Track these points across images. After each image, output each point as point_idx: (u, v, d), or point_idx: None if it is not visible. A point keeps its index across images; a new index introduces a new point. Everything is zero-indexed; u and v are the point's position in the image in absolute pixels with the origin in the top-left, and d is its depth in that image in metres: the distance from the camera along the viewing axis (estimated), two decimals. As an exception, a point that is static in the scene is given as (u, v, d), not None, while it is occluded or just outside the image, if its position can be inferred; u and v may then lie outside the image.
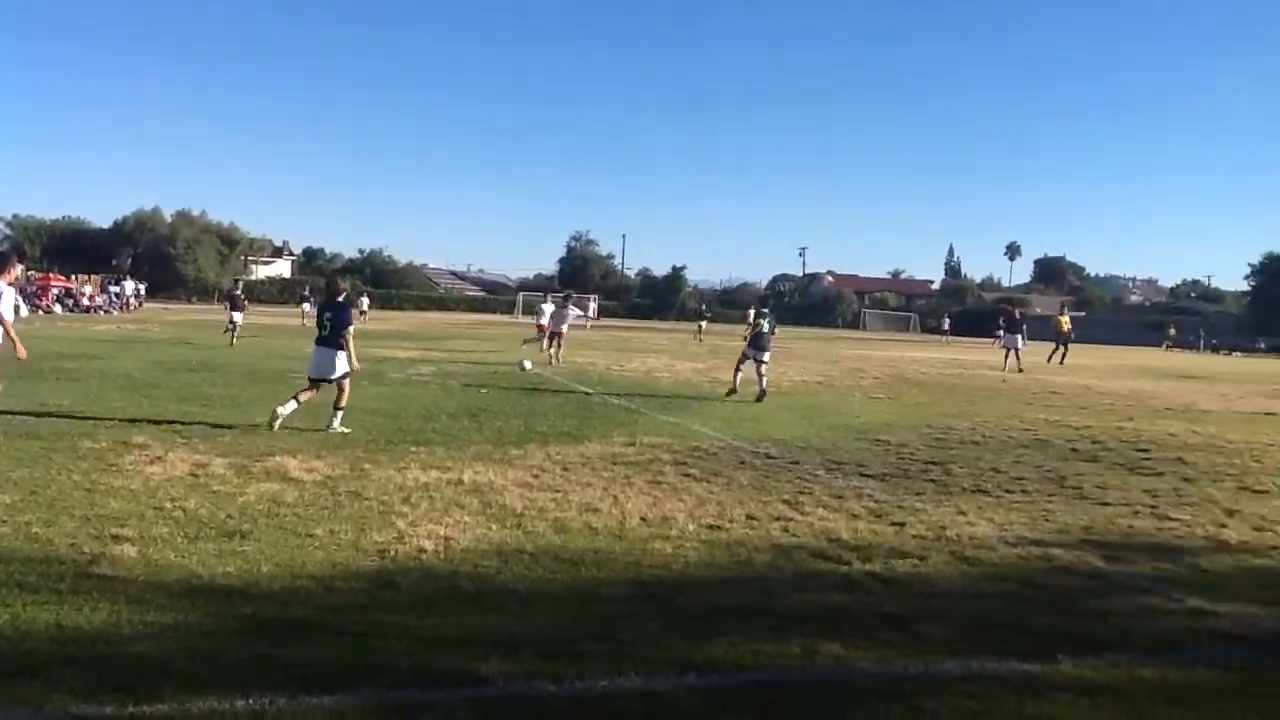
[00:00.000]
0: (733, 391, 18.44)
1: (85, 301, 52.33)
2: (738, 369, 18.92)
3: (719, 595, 6.03)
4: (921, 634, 5.45)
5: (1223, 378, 34.36)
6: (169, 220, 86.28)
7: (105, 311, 51.13)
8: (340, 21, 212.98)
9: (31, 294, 46.22)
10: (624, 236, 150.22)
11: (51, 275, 56.68)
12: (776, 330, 19.88)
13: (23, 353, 10.67)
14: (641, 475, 9.76)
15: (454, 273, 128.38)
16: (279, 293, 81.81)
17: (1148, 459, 12.68)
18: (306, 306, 47.36)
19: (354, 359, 12.47)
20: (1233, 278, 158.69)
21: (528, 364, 22.84)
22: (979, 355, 42.84)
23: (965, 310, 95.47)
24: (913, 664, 5.01)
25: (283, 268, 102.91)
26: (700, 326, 51.06)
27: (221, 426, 11.62)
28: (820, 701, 4.56)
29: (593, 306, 51.18)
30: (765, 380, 18.46)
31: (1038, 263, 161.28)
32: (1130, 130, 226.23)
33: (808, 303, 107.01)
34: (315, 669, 4.49)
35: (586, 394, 17.82)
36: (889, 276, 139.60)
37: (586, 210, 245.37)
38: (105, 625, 4.95)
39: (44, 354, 20.97)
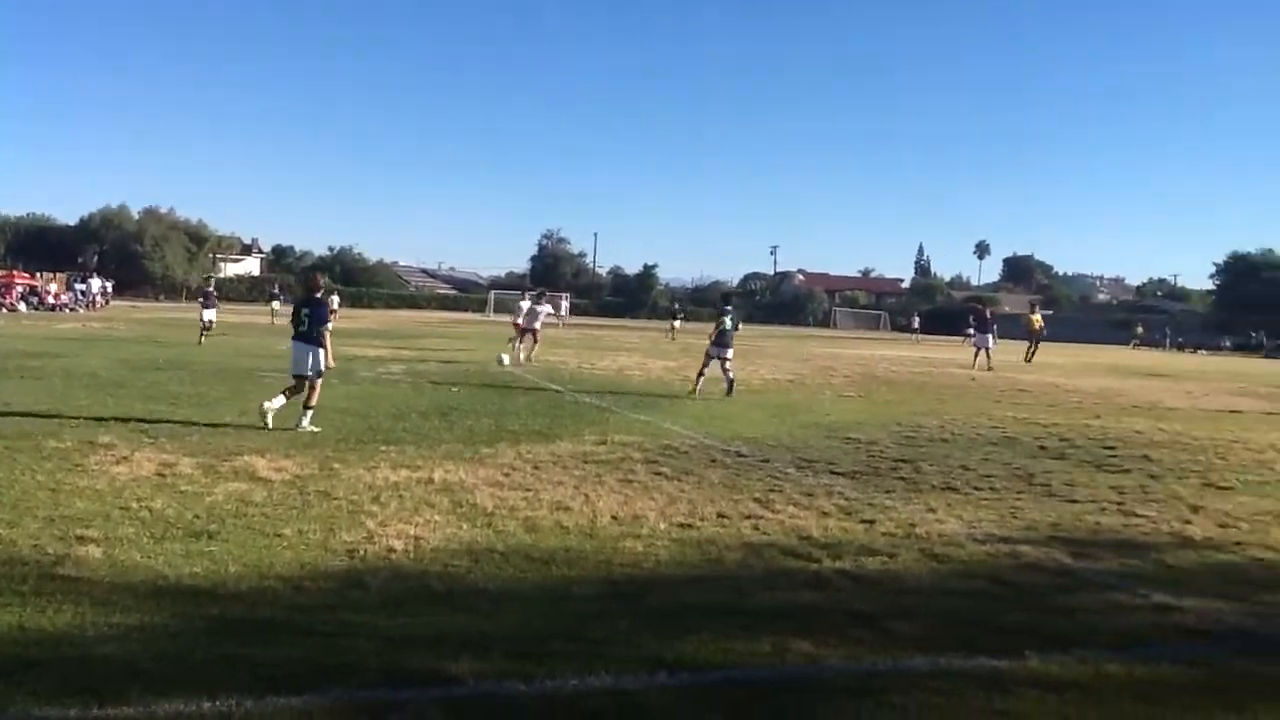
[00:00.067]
0: (694, 392, 18.55)
1: (50, 299, 51.68)
2: (701, 373, 19.04)
3: (690, 593, 6.03)
4: (891, 631, 5.48)
5: (1188, 376, 34.73)
6: (136, 217, 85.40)
7: (71, 309, 50.54)
8: (307, 17, 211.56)
9: (-4, 292, 45.64)
10: (596, 235, 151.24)
11: (16, 273, 55.87)
12: (740, 327, 20.08)
13: None
14: (613, 473, 9.76)
15: (425, 271, 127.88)
16: (248, 291, 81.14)
17: (1114, 456, 12.80)
18: (276, 305, 47.03)
19: (331, 356, 12.43)
20: (1198, 277, 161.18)
21: (505, 358, 22.85)
22: (949, 353, 43.09)
23: (935, 309, 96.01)
24: (882, 661, 5.04)
25: (251, 265, 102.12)
26: (673, 325, 51.09)
27: (189, 425, 11.52)
28: (791, 699, 4.57)
29: (565, 305, 51.08)
30: (731, 374, 18.70)
31: (1006, 261, 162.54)
32: (1098, 130, 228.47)
33: (778, 301, 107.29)
34: (283, 669, 4.46)
35: (558, 392, 17.79)
36: (859, 275, 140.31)
37: (558, 208, 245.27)
38: (69, 627, 4.90)
39: (8, 352, 20.78)
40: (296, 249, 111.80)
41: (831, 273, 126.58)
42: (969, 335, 45.65)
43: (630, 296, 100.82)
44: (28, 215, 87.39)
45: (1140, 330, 76.78)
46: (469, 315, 78.17)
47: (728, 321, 19.19)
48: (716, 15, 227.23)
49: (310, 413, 11.76)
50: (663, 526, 7.66)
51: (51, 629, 4.86)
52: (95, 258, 77.52)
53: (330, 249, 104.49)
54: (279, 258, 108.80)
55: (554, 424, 13.28)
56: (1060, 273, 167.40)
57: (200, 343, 26.38)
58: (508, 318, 33.45)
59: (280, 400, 11.88)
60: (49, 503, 7.42)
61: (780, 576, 6.53)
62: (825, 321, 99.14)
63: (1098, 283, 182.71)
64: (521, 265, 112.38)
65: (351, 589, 5.76)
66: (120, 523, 6.93)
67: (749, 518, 8.10)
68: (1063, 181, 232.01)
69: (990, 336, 32.66)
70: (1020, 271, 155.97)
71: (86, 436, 10.32)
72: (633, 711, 4.32)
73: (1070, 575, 6.95)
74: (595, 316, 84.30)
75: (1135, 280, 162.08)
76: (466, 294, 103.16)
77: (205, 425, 11.62)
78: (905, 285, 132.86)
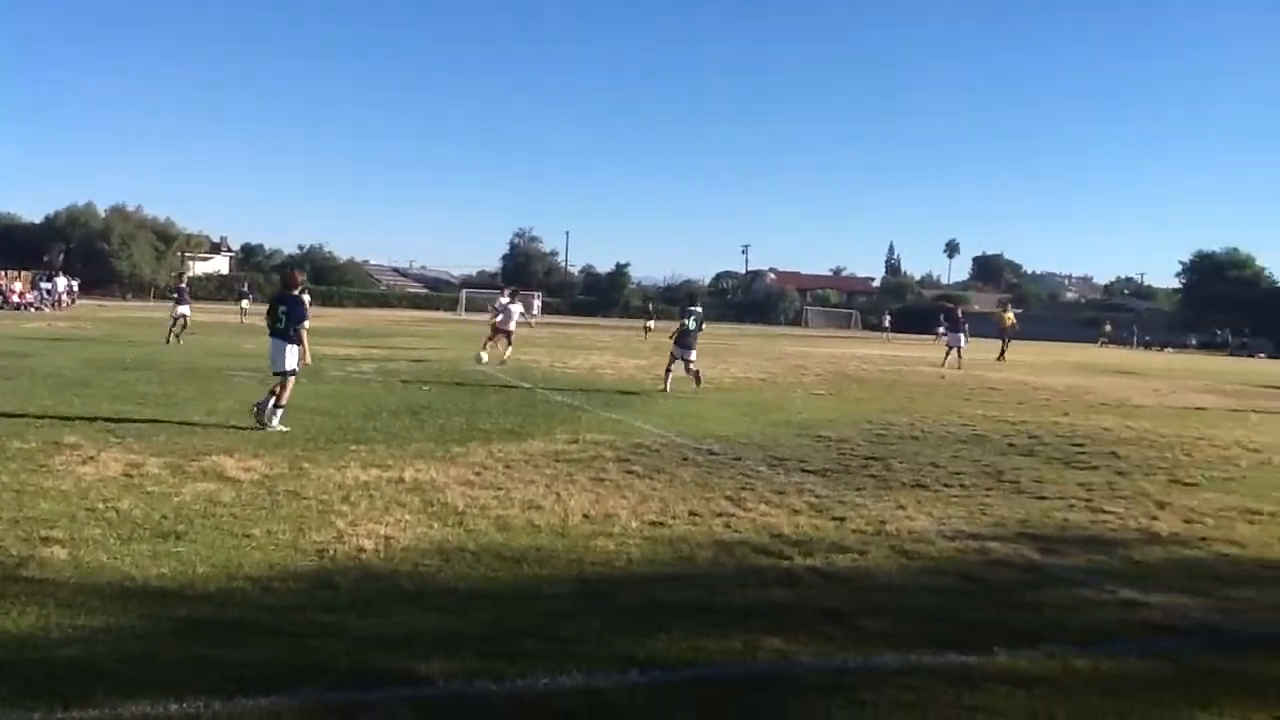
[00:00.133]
0: (665, 389, 18.67)
1: (15, 298, 51.08)
2: (668, 370, 19.16)
3: (661, 591, 6.04)
4: (861, 628, 5.51)
5: (1155, 373, 35.09)
6: (103, 216, 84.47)
7: (36, 309, 49.93)
8: (273, 15, 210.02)
9: (-41, 291, 45.06)
10: (567, 233, 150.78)
11: (-20, 271, 55.26)
12: (703, 328, 20.29)
13: None
14: (584, 472, 9.75)
15: (396, 269, 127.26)
16: (216, 289, 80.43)
17: (1083, 453, 12.91)
18: (245, 303, 46.71)
19: (307, 353, 12.40)
20: (1165, 275, 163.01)
21: (484, 356, 22.82)
22: (919, 352, 43.33)
23: (906, 307, 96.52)
24: (852, 657, 5.06)
25: (220, 264, 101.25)
26: (647, 325, 51.06)
27: (156, 425, 11.41)
28: (762, 696, 4.58)
29: (537, 304, 50.93)
30: (694, 368, 19.02)
31: (976, 260, 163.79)
32: (1066, 130, 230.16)
33: (750, 300, 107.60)
34: (252, 670, 4.43)
35: (530, 391, 17.76)
36: (830, 274, 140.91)
37: (529, 207, 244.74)
38: (33, 629, 4.84)
39: (-28, 352, 20.48)
40: (266, 247, 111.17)
41: (803, 271, 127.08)
42: (940, 334, 45.95)
43: (602, 295, 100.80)
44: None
45: (1108, 328, 77.56)
46: (440, 314, 77.86)
47: (690, 322, 19.44)
48: (695, 17, 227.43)
49: (281, 412, 11.68)
50: (635, 525, 7.66)
51: (15, 631, 4.81)
52: (61, 256, 76.58)
53: (300, 247, 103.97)
54: (248, 256, 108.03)
55: (526, 422, 13.25)
56: (1029, 271, 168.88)
57: (168, 341, 26.07)
58: (480, 316, 33.34)
59: (271, 401, 11.86)
60: (13, 504, 7.33)
61: (751, 574, 6.54)
62: (797, 320, 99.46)
63: (1066, 281, 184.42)
64: (493, 264, 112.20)
65: (321, 589, 5.73)
66: (86, 524, 6.86)
67: (721, 515, 8.11)
68: (1031, 181, 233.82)
69: (962, 335, 32.87)
70: (989, 270, 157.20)
71: (51, 437, 10.20)
72: (604, 710, 4.32)
73: (1038, 571, 7.00)
74: (567, 315, 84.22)
75: (1103, 279, 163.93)
76: (438, 293, 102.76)
77: (173, 425, 11.51)
78: (876, 284, 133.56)
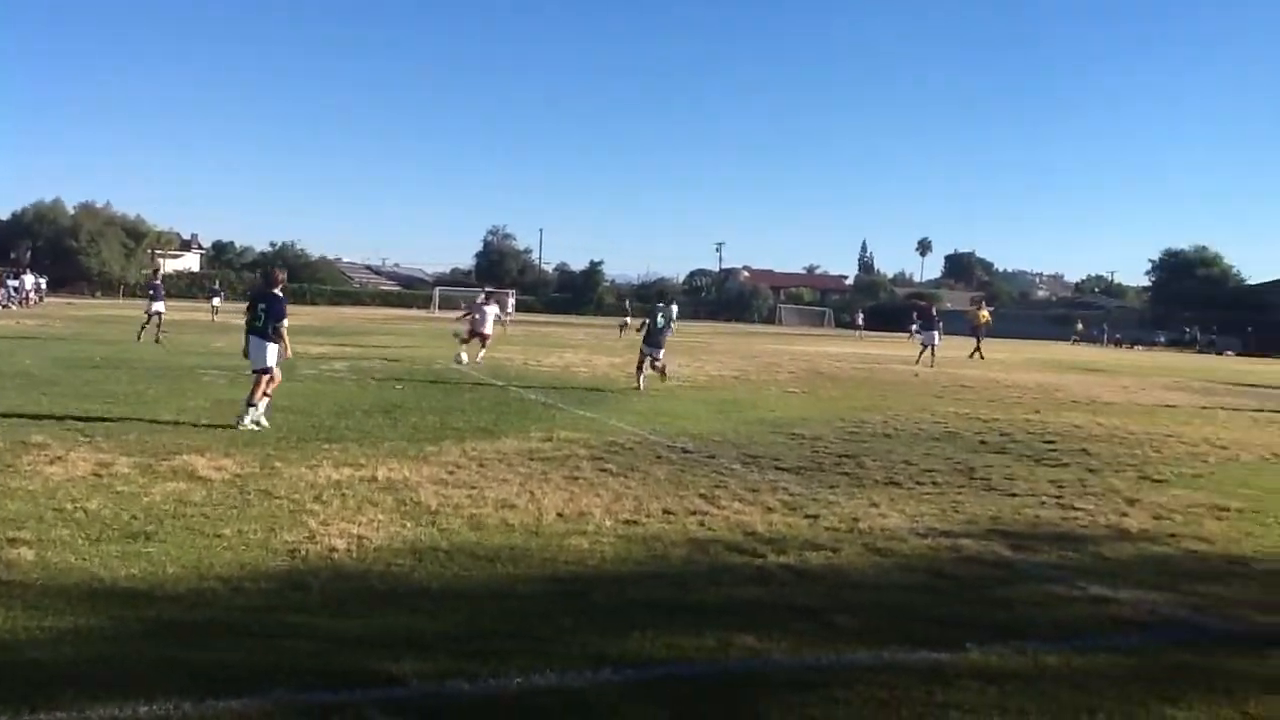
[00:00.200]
0: (638, 387, 18.70)
1: (-18, 296, 50.51)
2: (639, 367, 19.20)
3: (635, 590, 6.04)
4: (834, 625, 5.52)
5: (1125, 371, 35.39)
6: (71, 212, 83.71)
7: (4, 307, 49.36)
8: (246, 9, 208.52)
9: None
10: (541, 231, 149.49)
11: (-54, 269, 54.58)
12: (673, 326, 20.44)
13: None
14: (558, 471, 9.73)
15: (369, 267, 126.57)
16: (187, 287, 79.76)
17: (1053, 450, 13.01)
18: (217, 301, 46.35)
19: (288, 349, 12.43)
20: (1135, 274, 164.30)
21: (464, 357, 22.74)
22: (892, 350, 43.50)
23: (879, 305, 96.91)
24: (825, 655, 5.07)
25: (191, 261, 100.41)
26: (624, 322, 50.97)
27: (126, 424, 11.30)
28: (735, 693, 4.59)
29: (511, 301, 50.66)
30: (659, 365, 19.16)
31: (948, 258, 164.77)
32: (1037, 129, 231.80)
33: (724, 298, 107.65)
34: (222, 672, 4.39)
35: (503, 389, 17.72)
36: (804, 272, 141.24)
37: (503, 204, 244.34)
38: None
39: (-63, 350, 20.23)
40: (237, 245, 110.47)
41: (776, 270, 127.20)
42: (914, 332, 46.17)
43: (576, 293, 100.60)
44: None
45: (1080, 326, 78.16)
46: (414, 312, 77.55)
47: (659, 319, 19.59)
48: (664, 13, 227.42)
49: (253, 410, 11.60)
50: (608, 523, 7.65)
51: (-19, 633, 4.75)
52: (29, 253, 75.74)
53: (272, 244, 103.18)
54: (219, 254, 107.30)
55: (499, 421, 13.22)
56: (1000, 269, 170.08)
57: (139, 338, 25.83)
58: (453, 314, 33.15)
59: (264, 402, 11.89)
60: (-21, 504, 7.24)
61: (725, 572, 6.55)
62: (770, 318, 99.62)
63: (1037, 279, 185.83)
64: (467, 261, 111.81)
65: (293, 589, 5.69)
66: (54, 524, 6.78)
67: (694, 514, 8.12)
68: (1003, 180, 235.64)
69: (935, 333, 33.02)
70: (961, 268, 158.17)
71: (19, 436, 10.08)
72: (578, 709, 4.31)
73: (1010, 568, 7.05)
74: (541, 313, 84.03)
75: (1074, 277, 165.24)
76: (411, 290, 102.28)
77: (143, 424, 11.41)
78: (849, 282, 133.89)
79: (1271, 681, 5.01)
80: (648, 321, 19.78)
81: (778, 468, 10.60)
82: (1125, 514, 8.96)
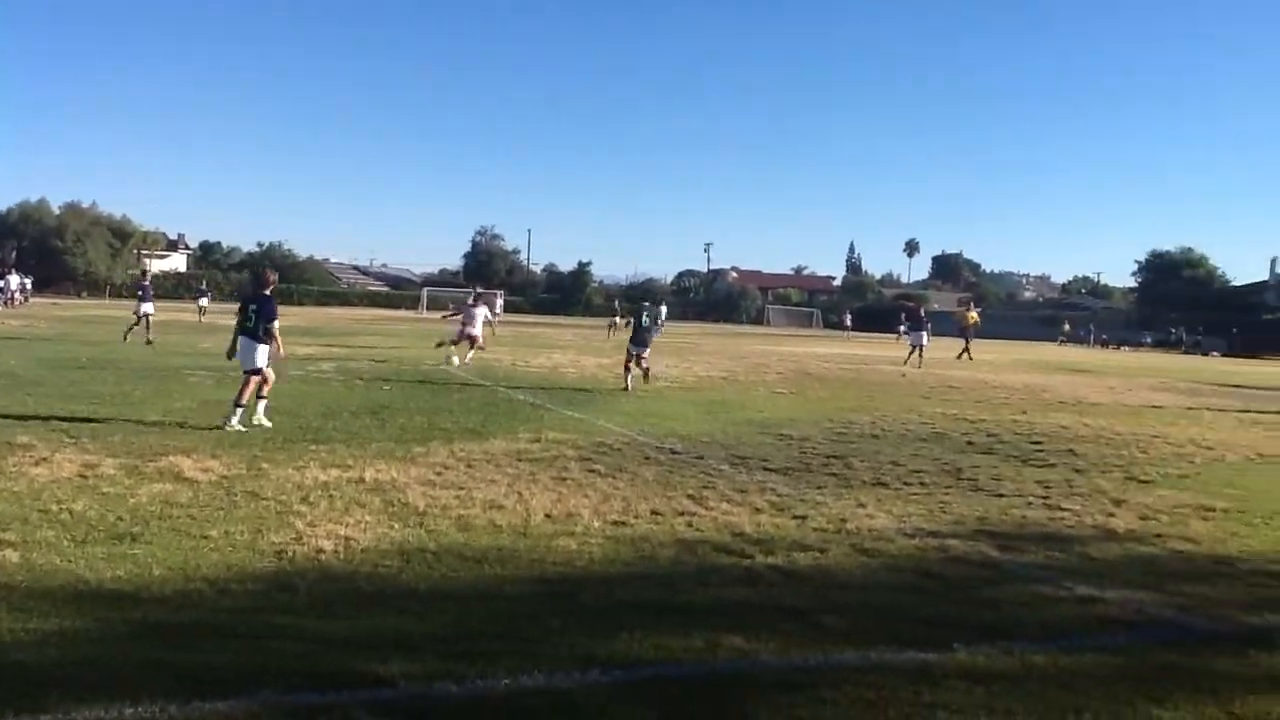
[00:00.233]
0: (626, 388, 18.73)
1: (-33, 296, 50.19)
2: (626, 367, 19.25)
3: (623, 591, 6.03)
4: (822, 625, 5.53)
5: (1111, 372, 35.53)
6: (57, 212, 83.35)
7: (-11, 307, 49.11)
8: (233, 11, 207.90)
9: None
10: (529, 231, 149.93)
11: (-70, 269, 54.21)
12: (659, 323, 20.62)
13: None
14: (546, 471, 9.72)
15: (356, 267, 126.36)
16: (174, 288, 79.45)
17: (1040, 451, 13.05)
18: (204, 301, 46.21)
19: (281, 349, 12.50)
20: (1121, 275, 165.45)
21: (455, 359, 22.75)
22: (880, 350, 43.60)
23: (866, 306, 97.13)
24: (813, 655, 5.08)
25: (178, 262, 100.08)
26: (614, 322, 50.93)
27: (112, 425, 11.25)
28: (723, 694, 4.59)
29: (499, 302, 50.52)
30: (645, 365, 19.20)
31: (935, 259, 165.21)
32: (1024, 130, 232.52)
33: (712, 299, 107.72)
34: (208, 673, 4.38)
35: (492, 389, 17.70)
36: (792, 273, 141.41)
37: (492, 205, 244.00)
38: (-15, 633, 4.76)
39: (-79, 351, 20.11)
40: (224, 245, 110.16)
41: (764, 270, 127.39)
42: (902, 332, 46.24)
43: (565, 294, 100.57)
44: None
45: (1067, 327, 78.47)
46: (402, 313, 77.40)
47: (644, 318, 19.74)
48: (656, 15, 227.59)
49: (241, 411, 11.56)
50: (596, 524, 7.65)
51: (-34, 636, 4.72)
52: (14, 253, 75.35)
53: (259, 245, 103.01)
54: (206, 254, 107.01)
55: (487, 421, 13.20)
56: (987, 270, 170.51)
57: (125, 339, 25.74)
58: (439, 314, 33.13)
59: (262, 404, 11.87)
60: (-36, 506, 7.20)
61: (713, 572, 6.55)
62: (759, 319, 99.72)
63: (1024, 280, 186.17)
64: (455, 262, 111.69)
65: (279, 591, 5.67)
66: (39, 526, 6.75)
67: (682, 514, 8.12)
68: (990, 181, 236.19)
69: (924, 333, 33.10)
70: (949, 269, 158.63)
71: (4, 437, 10.02)
72: (566, 710, 4.31)
73: (997, 568, 7.07)
74: (530, 314, 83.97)
75: (1060, 278, 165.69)
76: (399, 291, 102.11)
77: (129, 425, 11.36)
78: (837, 283, 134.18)
79: (1256, 681, 5.04)
80: (633, 321, 19.92)
81: (766, 468, 10.61)
82: (1112, 514, 8.99)
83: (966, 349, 37.06)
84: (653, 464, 10.54)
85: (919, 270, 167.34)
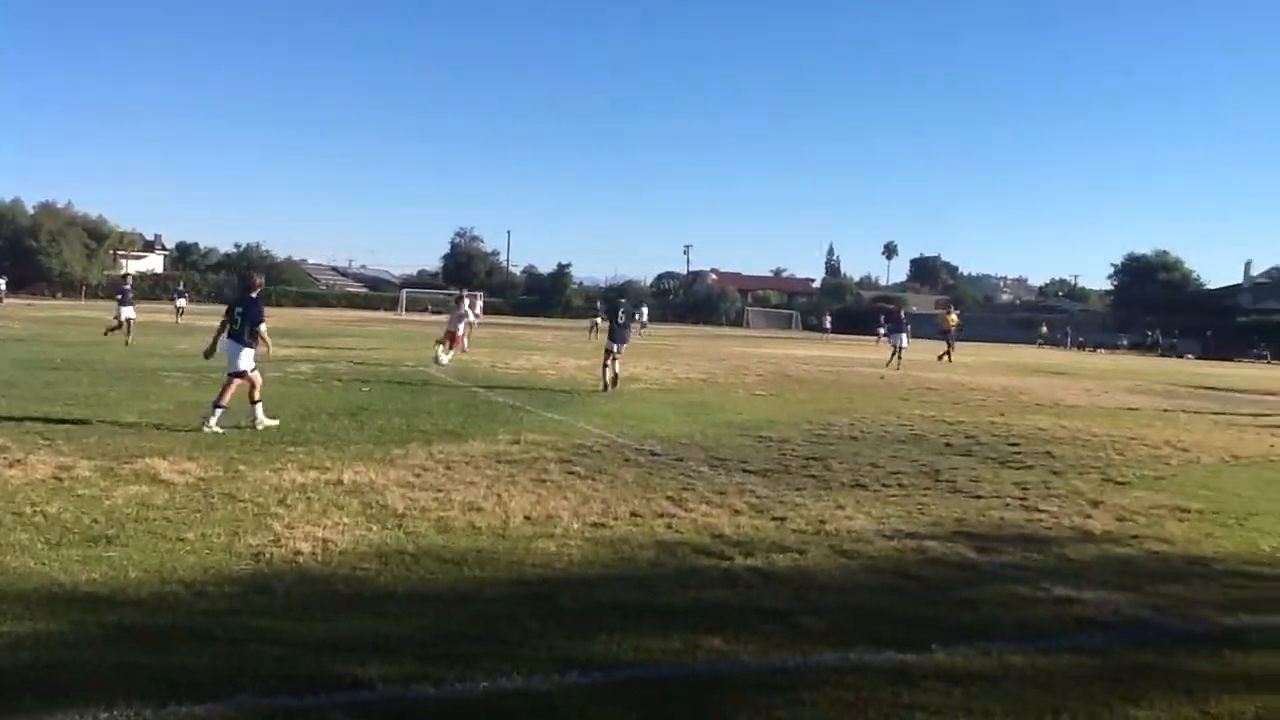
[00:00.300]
0: (605, 388, 18.77)
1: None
2: (605, 367, 19.26)
3: (602, 593, 6.02)
4: (800, 627, 5.54)
5: (1088, 374, 35.75)
6: (31, 212, 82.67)
7: (-38, 307, 48.65)
8: (208, 9, 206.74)
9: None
10: (509, 233, 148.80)
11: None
12: (639, 320, 20.78)
13: None
14: (526, 473, 9.70)
15: (335, 268, 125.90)
16: (151, 289, 78.95)
17: (1018, 453, 13.11)
18: (181, 302, 45.95)
19: (269, 349, 12.78)
20: (1097, 277, 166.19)
21: (443, 359, 22.84)
22: (859, 353, 43.73)
23: (845, 308, 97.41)
24: (792, 656, 5.08)
25: (155, 263, 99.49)
26: (595, 324, 50.89)
27: (87, 426, 11.17)
28: (702, 695, 4.59)
29: (479, 304, 50.43)
30: (615, 369, 19.20)
31: (914, 262, 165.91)
32: (1001, 132, 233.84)
33: (692, 300, 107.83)
34: (184, 676, 4.34)
35: (471, 391, 17.65)
36: (771, 275, 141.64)
37: (471, 206, 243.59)
38: (-43, 637, 4.71)
39: (-106, 352, 19.90)
40: (201, 246, 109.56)
41: (744, 272, 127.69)
42: (882, 334, 46.42)
43: (545, 295, 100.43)
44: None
45: (1045, 329, 78.95)
46: (381, 314, 77.16)
47: (620, 316, 19.86)
48: (634, 16, 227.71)
49: (220, 412, 11.49)
50: (576, 526, 7.64)
51: (-62, 639, 4.67)
52: (-13, 254, 74.76)
53: (236, 246, 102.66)
54: (183, 255, 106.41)
55: (467, 423, 13.17)
56: (965, 273, 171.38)
57: (106, 335, 25.71)
58: (419, 316, 33.07)
59: (258, 407, 11.87)
60: (-64, 508, 7.13)
61: (692, 574, 6.55)
62: (738, 321, 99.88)
63: (1001, 283, 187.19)
64: (434, 263, 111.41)
65: (257, 593, 5.64)
66: (12, 528, 6.69)
67: (662, 516, 8.12)
68: (968, 183, 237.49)
69: (903, 335, 33.22)
70: (927, 272, 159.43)
71: (-23, 439, 9.94)
72: (544, 712, 4.30)
73: (975, 569, 7.09)
74: (509, 315, 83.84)
75: (1038, 280, 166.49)
76: (378, 292, 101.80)
77: (104, 426, 11.28)
78: (816, 285, 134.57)
79: (1231, 680, 5.07)
80: (596, 320, 20.04)
81: (745, 470, 10.62)
82: (1089, 516, 9.05)
83: (948, 351, 37.24)
84: (632, 466, 10.53)
85: (897, 272, 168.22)
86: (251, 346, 12.07)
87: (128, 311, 27.00)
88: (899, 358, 32.15)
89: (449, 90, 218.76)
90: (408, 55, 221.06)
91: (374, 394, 16.37)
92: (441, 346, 24.14)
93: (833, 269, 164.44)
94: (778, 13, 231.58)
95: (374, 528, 7.23)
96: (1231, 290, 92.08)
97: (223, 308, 12.63)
